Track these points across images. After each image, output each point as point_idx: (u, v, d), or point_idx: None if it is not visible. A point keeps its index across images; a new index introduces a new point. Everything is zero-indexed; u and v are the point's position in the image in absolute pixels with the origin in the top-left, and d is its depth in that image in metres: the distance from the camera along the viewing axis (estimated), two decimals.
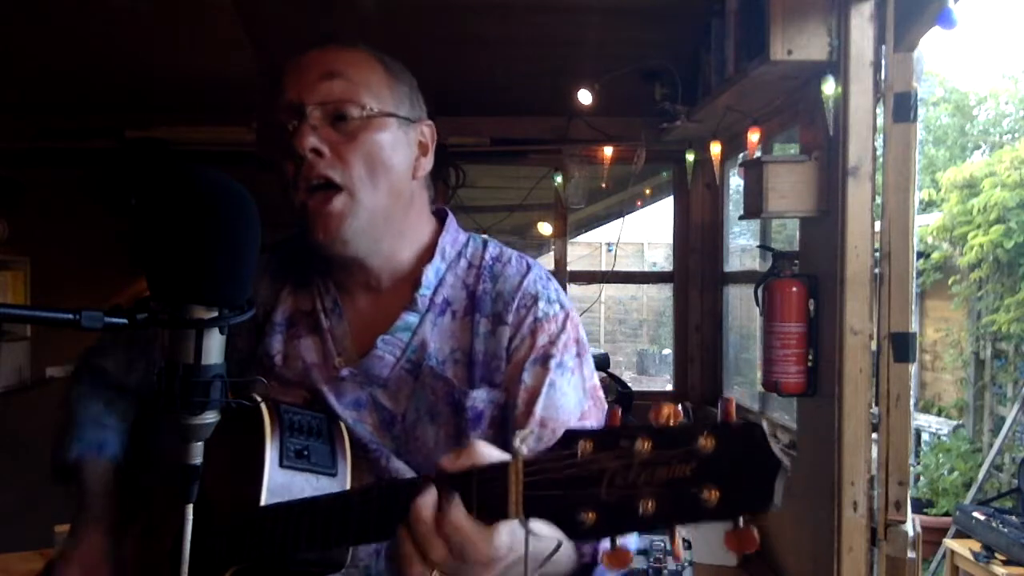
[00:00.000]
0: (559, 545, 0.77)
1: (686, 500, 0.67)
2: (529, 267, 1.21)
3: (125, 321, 0.79)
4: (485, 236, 1.28)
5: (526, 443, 0.77)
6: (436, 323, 1.17)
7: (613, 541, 0.72)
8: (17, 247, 3.57)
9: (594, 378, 1.21)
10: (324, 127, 1.09)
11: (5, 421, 3.20)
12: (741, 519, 0.66)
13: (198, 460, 0.84)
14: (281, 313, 1.20)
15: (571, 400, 1.14)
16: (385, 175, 1.12)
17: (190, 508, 0.83)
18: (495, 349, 1.15)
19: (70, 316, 0.76)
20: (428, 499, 0.82)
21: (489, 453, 0.85)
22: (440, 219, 1.26)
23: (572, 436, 0.74)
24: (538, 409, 1.11)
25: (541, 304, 1.17)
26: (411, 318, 1.16)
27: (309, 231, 1.10)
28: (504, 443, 1.10)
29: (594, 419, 1.16)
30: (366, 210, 1.11)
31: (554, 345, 1.15)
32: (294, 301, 1.21)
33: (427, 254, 1.20)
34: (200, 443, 0.83)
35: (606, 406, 1.17)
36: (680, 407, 0.71)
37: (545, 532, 0.75)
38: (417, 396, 1.14)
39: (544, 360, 1.14)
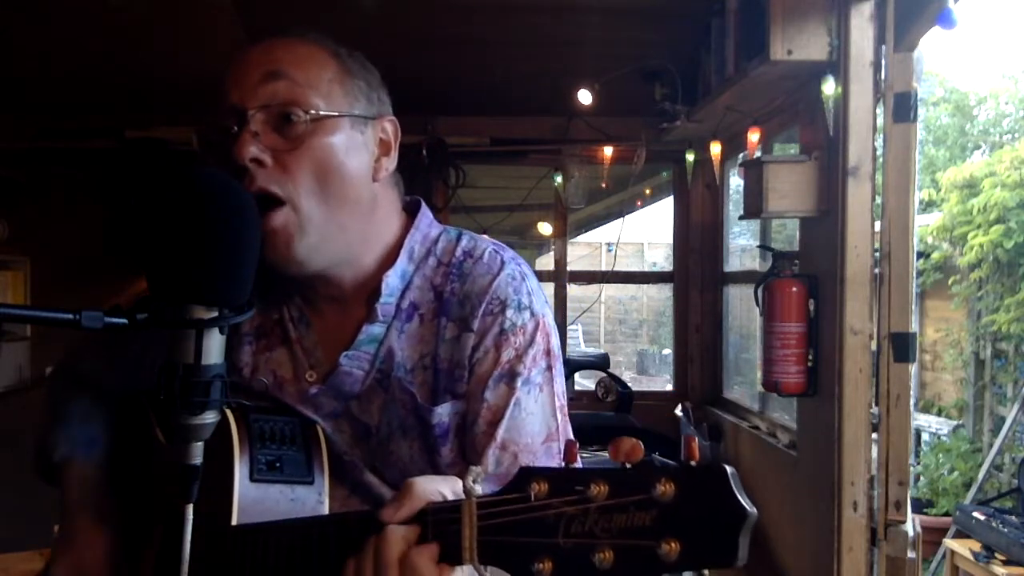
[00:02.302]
0: None
1: (644, 552, 0.63)
2: (502, 265, 1.11)
3: (125, 321, 0.79)
4: (460, 229, 1.18)
5: (479, 480, 0.74)
6: (403, 330, 1.09)
7: None
8: (17, 247, 3.56)
9: (563, 393, 1.13)
10: (267, 133, 0.99)
11: (5, 421, 3.20)
12: (706, 572, 0.63)
13: (198, 460, 0.83)
14: (249, 323, 1.11)
15: (536, 421, 1.07)
16: (338, 183, 1.02)
17: (190, 508, 0.83)
18: (459, 357, 1.07)
19: (70, 316, 0.76)
20: (399, 534, 0.80)
21: (431, 489, 0.83)
22: (411, 212, 1.17)
23: (526, 475, 0.71)
24: (500, 432, 1.04)
25: (509, 312, 1.07)
26: (375, 329, 1.08)
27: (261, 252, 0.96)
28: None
29: (561, 440, 1.09)
30: (316, 225, 1.01)
31: (521, 360, 1.07)
32: (263, 310, 1.12)
33: (392, 257, 1.10)
34: (200, 443, 0.83)
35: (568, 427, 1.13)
36: (641, 443, 0.67)
37: None
38: (388, 409, 1.08)
39: (510, 377, 1.06)
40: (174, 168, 0.84)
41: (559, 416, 1.10)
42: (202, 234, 0.81)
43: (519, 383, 1.06)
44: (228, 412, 0.99)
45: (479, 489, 0.74)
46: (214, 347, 0.82)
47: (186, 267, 0.80)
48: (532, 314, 1.10)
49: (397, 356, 1.08)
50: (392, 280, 1.09)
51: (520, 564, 0.70)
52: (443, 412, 1.07)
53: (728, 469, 0.62)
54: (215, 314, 0.82)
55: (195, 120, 1.07)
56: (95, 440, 1.22)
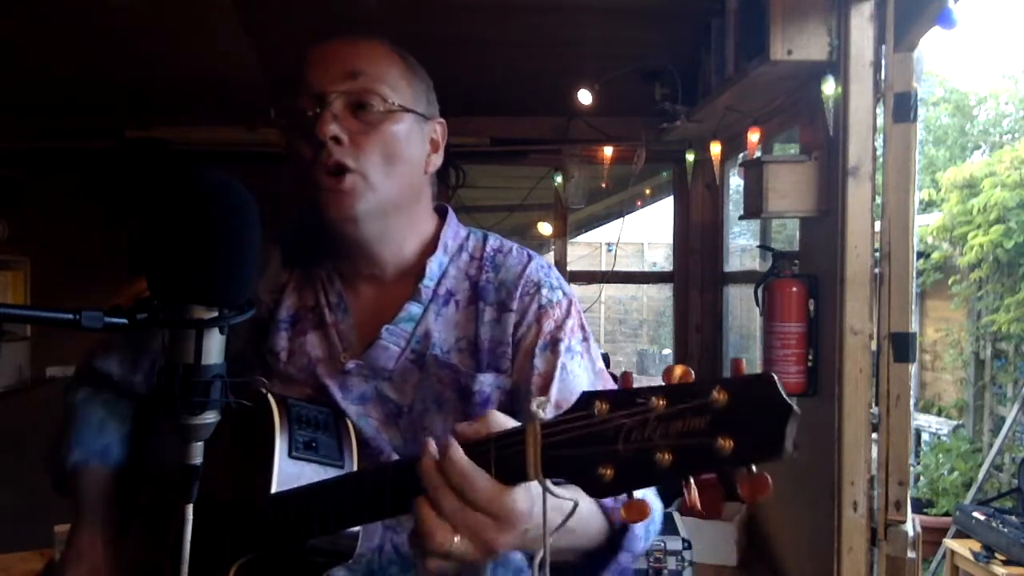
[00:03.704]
0: (575, 506, 0.78)
1: (701, 450, 0.68)
2: (530, 257, 1.24)
3: (125, 321, 0.79)
4: (485, 231, 1.30)
5: (543, 409, 0.79)
6: (440, 313, 1.19)
7: (630, 494, 0.74)
8: (17, 247, 3.56)
9: (600, 362, 1.22)
10: (345, 116, 1.12)
11: (5, 421, 3.20)
12: (754, 466, 0.68)
13: (198, 460, 0.84)
14: (286, 310, 1.21)
15: (583, 381, 1.16)
16: (399, 166, 1.14)
17: (190, 508, 0.83)
18: (500, 336, 1.17)
19: (70, 316, 0.76)
20: (456, 454, 0.83)
21: (505, 422, 0.86)
22: (441, 215, 1.29)
23: (589, 398, 0.75)
24: (553, 393, 1.12)
25: (544, 291, 1.19)
26: (415, 308, 1.18)
27: (322, 211, 1.12)
28: None
29: None
30: (377, 195, 1.13)
31: (561, 330, 1.17)
32: (298, 297, 1.22)
33: (430, 247, 1.22)
34: (200, 443, 0.83)
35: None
36: (691, 370, 0.73)
37: (565, 496, 0.77)
38: (423, 386, 1.15)
39: (553, 345, 1.16)
40: (174, 168, 0.84)
41: (601, 380, 1.20)
42: (202, 234, 0.81)
43: (563, 349, 1.16)
44: (269, 395, 1.07)
45: (543, 414, 0.78)
46: (214, 347, 0.82)
47: (186, 267, 0.81)
48: (564, 293, 1.23)
49: (433, 337, 1.17)
50: (433, 266, 1.20)
51: (584, 472, 0.74)
52: (485, 380, 1.15)
53: (775, 376, 0.68)
54: (215, 314, 0.82)
55: (196, 120, 1.10)
56: (109, 448, 1.25)
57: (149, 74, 2.96)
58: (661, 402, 0.71)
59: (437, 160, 1.23)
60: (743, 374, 0.70)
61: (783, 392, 0.67)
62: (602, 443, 0.73)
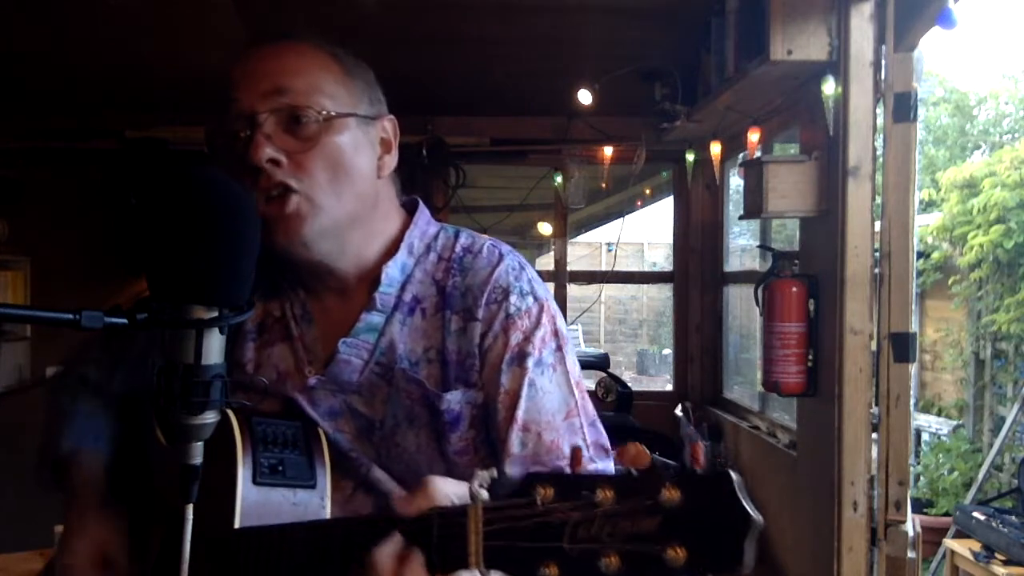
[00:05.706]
0: None
1: (650, 558, 0.64)
2: (501, 257, 1.14)
3: (125, 321, 0.79)
4: (458, 227, 1.21)
5: (485, 485, 0.75)
6: (405, 323, 1.11)
7: None
8: (17, 247, 3.56)
9: (578, 371, 1.15)
10: (279, 134, 1.02)
11: (5, 421, 3.20)
12: None
13: (198, 460, 0.83)
14: (252, 319, 1.13)
15: (554, 399, 1.10)
16: (349, 181, 1.06)
17: (190, 508, 0.83)
18: (467, 347, 1.09)
19: (70, 316, 0.76)
20: (390, 548, 0.80)
21: (447, 491, 0.83)
22: (411, 211, 1.20)
23: (532, 481, 0.72)
24: (520, 413, 1.07)
25: (513, 298, 1.10)
26: (374, 318, 1.10)
27: (268, 238, 1.01)
28: (488, 444, 1.10)
29: (581, 417, 1.11)
30: (327, 215, 1.04)
31: (529, 341, 1.09)
32: (264, 307, 1.14)
33: (393, 250, 1.13)
34: (200, 443, 0.83)
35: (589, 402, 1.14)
36: (647, 449, 0.69)
37: None
38: (393, 401, 1.09)
39: (520, 359, 1.08)
40: (174, 168, 0.84)
41: (577, 392, 1.12)
42: (202, 234, 0.81)
43: (531, 364, 1.09)
44: (231, 415, 0.99)
45: (485, 494, 0.74)
46: (214, 347, 0.82)
47: (186, 267, 0.80)
48: (535, 299, 1.13)
49: (399, 349, 1.09)
50: (392, 271, 1.11)
51: (526, 569, 0.70)
52: (453, 399, 1.08)
53: (734, 476, 0.63)
54: (215, 314, 0.82)
55: (196, 119, 1.08)
56: (100, 434, 1.22)
57: (149, 73, 2.96)
58: (608, 495, 0.67)
59: (391, 161, 1.13)
60: (700, 469, 0.65)
61: (743, 498, 0.62)
62: (547, 538, 0.69)
